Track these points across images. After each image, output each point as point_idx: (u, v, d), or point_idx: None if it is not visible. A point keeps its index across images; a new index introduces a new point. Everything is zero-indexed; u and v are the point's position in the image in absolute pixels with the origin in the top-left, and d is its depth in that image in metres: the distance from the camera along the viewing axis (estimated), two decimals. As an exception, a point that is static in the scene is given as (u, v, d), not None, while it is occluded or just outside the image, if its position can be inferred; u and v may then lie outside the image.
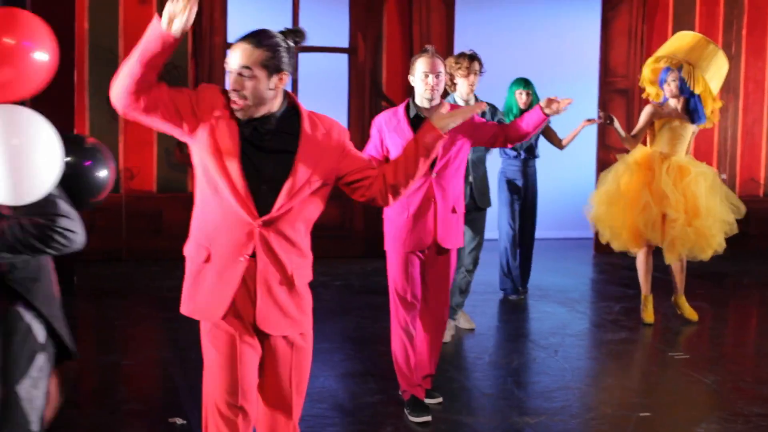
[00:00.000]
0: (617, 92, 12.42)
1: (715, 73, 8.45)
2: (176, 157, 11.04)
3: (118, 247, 11.00)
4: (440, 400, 6.19)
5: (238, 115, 3.71)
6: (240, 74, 3.66)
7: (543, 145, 9.34)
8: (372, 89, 11.58)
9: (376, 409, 6.12)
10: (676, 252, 8.41)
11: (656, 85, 8.65)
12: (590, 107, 12.36)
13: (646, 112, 8.46)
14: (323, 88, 11.42)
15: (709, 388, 6.78)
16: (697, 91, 8.35)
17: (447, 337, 7.65)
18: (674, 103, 8.42)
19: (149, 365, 7.27)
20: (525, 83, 9.10)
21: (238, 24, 11.34)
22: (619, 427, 5.88)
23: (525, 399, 6.47)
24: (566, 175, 12.01)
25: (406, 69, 11.56)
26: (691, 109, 8.41)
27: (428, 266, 5.94)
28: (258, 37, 3.72)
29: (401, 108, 5.92)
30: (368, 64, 11.57)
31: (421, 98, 5.82)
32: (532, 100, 9.05)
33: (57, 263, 3.66)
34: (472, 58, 7.54)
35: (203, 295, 3.81)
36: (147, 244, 11.05)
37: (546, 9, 13.27)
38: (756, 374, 7.16)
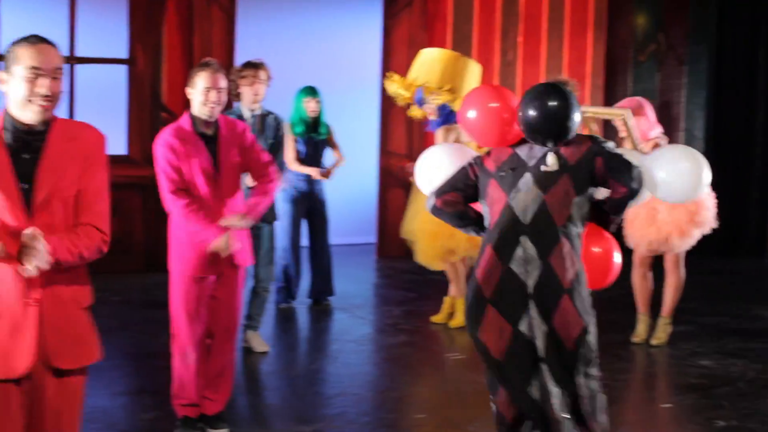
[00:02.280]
0: (399, 99, 12.60)
1: (471, 84, 8.62)
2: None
3: None
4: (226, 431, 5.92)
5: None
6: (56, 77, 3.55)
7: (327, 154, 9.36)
8: (152, 101, 11.40)
9: (151, 426, 6.03)
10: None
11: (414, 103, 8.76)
12: (372, 114, 12.54)
13: (442, 134, 8.51)
14: (101, 100, 11.15)
15: (483, 386, 6.92)
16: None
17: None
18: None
19: None
20: (312, 91, 9.11)
21: (11, 31, 10.98)
22: (394, 430, 5.97)
23: (303, 408, 6.48)
24: (348, 181, 12.07)
25: (187, 80, 11.52)
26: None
27: (218, 284, 5.73)
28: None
29: (186, 126, 5.61)
30: (148, 75, 11.37)
31: (200, 112, 5.57)
32: (320, 108, 9.08)
33: None
34: (258, 66, 7.50)
35: None
36: None
37: (328, 17, 13.33)
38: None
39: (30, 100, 3.50)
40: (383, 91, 12.55)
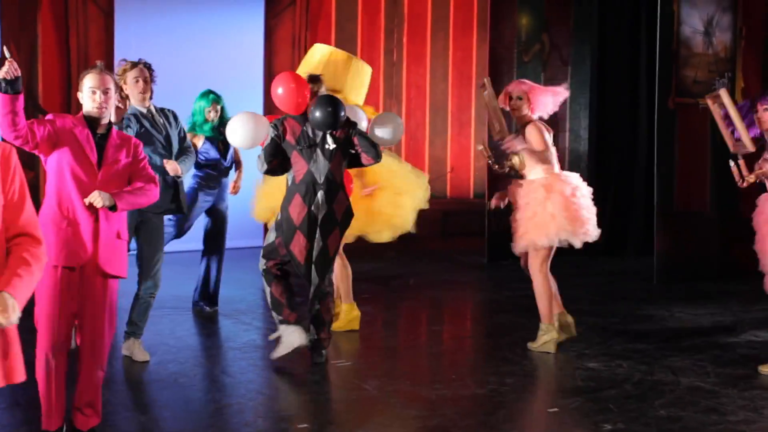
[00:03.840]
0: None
1: (358, 85, 8.57)
2: None
3: None
4: None
5: None
6: None
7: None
8: (28, 102, 10.98)
9: (22, 442, 5.76)
10: (392, 227, 8.68)
11: None
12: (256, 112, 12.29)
13: None
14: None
15: (368, 394, 6.80)
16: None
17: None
18: None
19: None
20: (215, 97, 8.91)
21: None
22: (277, 442, 5.80)
23: (185, 419, 6.26)
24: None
25: (64, 81, 11.23)
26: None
27: (83, 291, 5.51)
28: None
29: (80, 119, 5.61)
30: (23, 76, 10.94)
31: (89, 112, 5.56)
32: (223, 115, 8.86)
33: None
34: (135, 64, 7.40)
35: None
36: None
37: (209, 16, 13.08)
38: (418, 376, 7.27)
39: None
40: (267, 91, 12.39)
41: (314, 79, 7.58)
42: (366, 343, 8.50)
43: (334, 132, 7.33)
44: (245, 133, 7.30)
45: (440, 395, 6.68)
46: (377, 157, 7.48)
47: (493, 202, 8.22)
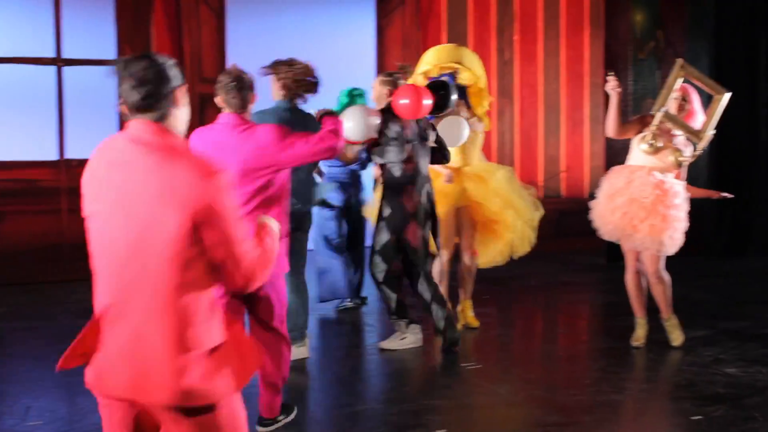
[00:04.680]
0: (395, 100, 12.33)
1: (478, 67, 8.49)
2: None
3: None
4: None
5: None
6: None
7: None
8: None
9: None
10: (504, 248, 8.57)
11: None
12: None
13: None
14: (90, 104, 10.81)
15: (503, 399, 6.65)
16: (467, 83, 8.41)
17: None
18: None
19: None
20: (361, 94, 8.83)
21: (-4, 33, 10.69)
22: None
23: (318, 424, 6.18)
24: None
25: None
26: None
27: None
28: None
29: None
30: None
31: None
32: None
33: None
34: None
35: None
36: None
37: (320, 17, 13.05)
38: (547, 381, 7.09)
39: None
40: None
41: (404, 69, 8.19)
42: (491, 345, 8.34)
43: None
44: (358, 125, 7.30)
45: (576, 401, 6.51)
46: (447, 158, 8.02)
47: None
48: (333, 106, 8.94)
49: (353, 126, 7.24)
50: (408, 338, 7.92)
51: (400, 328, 7.88)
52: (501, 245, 8.57)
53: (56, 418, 6.12)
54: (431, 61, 8.52)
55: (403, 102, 7.54)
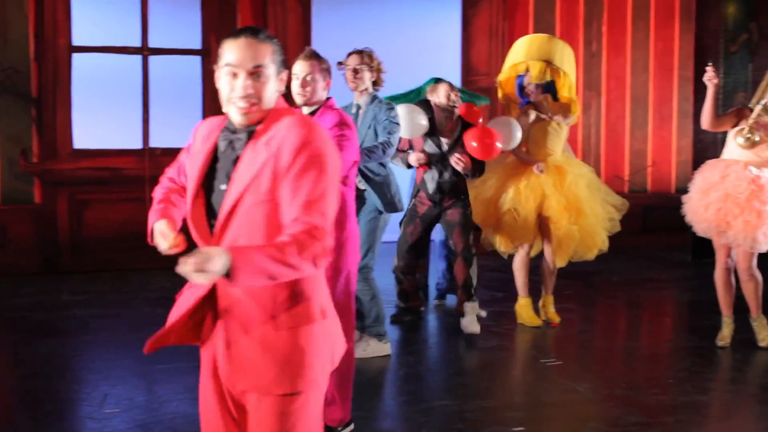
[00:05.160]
0: (479, 91, 12.18)
1: (569, 62, 8.33)
2: (21, 167, 10.38)
3: (-42, 265, 10.31)
4: None
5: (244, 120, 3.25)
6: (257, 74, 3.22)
7: None
8: (229, 93, 11.06)
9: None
10: (565, 253, 8.26)
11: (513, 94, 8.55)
12: (453, 107, 12.08)
13: (524, 118, 8.25)
14: (176, 93, 10.87)
15: (583, 396, 6.52)
16: (560, 85, 8.25)
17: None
18: (538, 104, 8.26)
19: (10, 392, 6.64)
20: (437, 82, 8.67)
21: (82, 25, 10.76)
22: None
23: (378, 416, 6.10)
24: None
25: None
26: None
27: None
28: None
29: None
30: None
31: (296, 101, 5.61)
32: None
33: None
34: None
35: None
36: (-10, 260, 10.39)
37: (406, 7, 12.97)
38: (629, 379, 6.93)
39: (229, 100, 3.23)
40: (464, 83, 12.19)
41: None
42: (572, 342, 8.20)
43: None
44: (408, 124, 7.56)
45: (659, 401, 6.35)
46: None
47: None
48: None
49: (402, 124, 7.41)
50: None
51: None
52: (564, 249, 8.40)
53: (133, 406, 6.12)
54: (521, 55, 8.37)
55: (474, 145, 7.90)
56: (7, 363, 7.45)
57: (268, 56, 3.23)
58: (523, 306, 8.46)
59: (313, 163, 3.13)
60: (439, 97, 8.15)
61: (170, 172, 3.65)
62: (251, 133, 3.24)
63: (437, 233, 9.13)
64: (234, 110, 3.23)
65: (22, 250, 10.47)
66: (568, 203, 8.21)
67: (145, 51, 10.85)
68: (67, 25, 10.59)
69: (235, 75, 3.21)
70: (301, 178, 3.11)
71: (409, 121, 7.87)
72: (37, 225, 10.44)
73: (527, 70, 8.33)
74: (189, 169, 3.36)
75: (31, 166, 10.38)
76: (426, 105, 8.18)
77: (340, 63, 7.45)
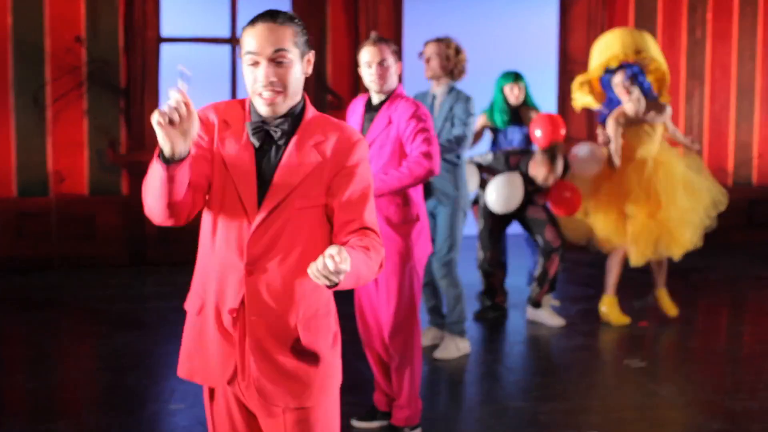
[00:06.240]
0: (577, 81, 11.86)
1: (658, 51, 8.04)
2: (109, 158, 10.41)
3: (48, 255, 10.35)
4: None
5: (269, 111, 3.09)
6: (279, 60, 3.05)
7: None
8: (317, 83, 10.95)
9: None
10: (640, 250, 7.87)
11: (597, 94, 8.25)
12: (549, 97, 11.80)
13: (613, 126, 7.87)
14: (264, 83, 10.80)
15: (665, 400, 6.21)
16: (650, 78, 7.92)
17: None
18: (633, 105, 7.87)
19: (82, 385, 6.63)
20: (515, 77, 8.38)
21: (172, 18, 10.75)
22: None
23: (456, 420, 5.88)
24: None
25: (352, 61, 11.07)
26: (651, 100, 7.95)
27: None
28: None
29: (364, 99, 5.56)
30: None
31: (370, 90, 5.44)
32: (526, 98, 8.35)
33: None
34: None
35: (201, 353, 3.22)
36: (79, 250, 10.42)
37: (501, -5, 12.70)
38: (717, 383, 6.59)
39: (254, 91, 3.06)
40: (561, 73, 11.86)
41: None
42: (660, 343, 7.86)
43: None
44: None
45: (745, 408, 6.02)
46: None
47: None
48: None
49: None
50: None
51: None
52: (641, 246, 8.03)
53: (198, 402, 6.03)
54: (612, 51, 8.04)
55: (538, 133, 7.75)
56: (83, 354, 7.46)
57: (290, 39, 3.06)
58: (609, 304, 8.13)
59: (364, 170, 3.11)
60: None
61: None
62: (292, 128, 3.10)
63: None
64: (259, 101, 3.07)
65: (110, 241, 10.50)
66: (647, 196, 7.86)
67: (233, 41, 10.78)
68: (156, 16, 10.57)
69: (256, 63, 3.05)
70: (354, 181, 3.08)
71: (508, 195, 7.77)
72: (125, 216, 10.45)
73: (616, 66, 8.02)
74: (223, 161, 3.12)
75: (118, 158, 10.39)
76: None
77: (420, 53, 7.29)
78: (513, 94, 8.14)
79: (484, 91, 8.74)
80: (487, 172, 8.18)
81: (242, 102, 3.19)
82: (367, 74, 5.36)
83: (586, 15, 11.94)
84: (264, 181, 3.06)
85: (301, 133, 3.09)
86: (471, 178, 7.78)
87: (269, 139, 3.10)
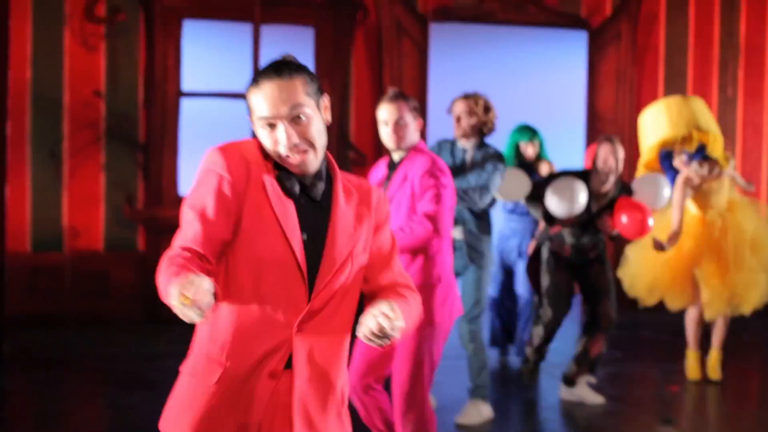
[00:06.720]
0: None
1: (710, 117, 7.98)
2: (125, 214, 10.21)
3: (61, 311, 10.13)
4: None
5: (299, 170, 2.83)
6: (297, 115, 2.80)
7: None
8: (340, 139, 10.76)
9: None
10: (714, 309, 7.80)
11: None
12: (577, 153, 11.57)
13: (678, 195, 7.59)
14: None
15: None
16: (716, 153, 7.75)
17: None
18: (695, 175, 7.65)
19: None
20: (531, 134, 8.14)
21: (192, 72, 10.60)
22: None
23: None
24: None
25: (376, 118, 10.90)
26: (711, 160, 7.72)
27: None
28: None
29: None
30: (335, 112, 10.69)
31: (388, 147, 5.26)
32: (540, 152, 8.12)
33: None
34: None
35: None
36: (93, 306, 10.19)
37: (528, 53, 12.49)
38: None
39: (277, 155, 2.80)
40: (589, 130, 11.63)
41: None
42: (690, 406, 7.53)
43: None
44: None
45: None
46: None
47: None
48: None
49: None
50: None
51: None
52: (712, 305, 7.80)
53: None
54: (666, 129, 7.85)
55: (625, 221, 7.02)
56: (85, 415, 7.18)
57: (302, 92, 2.81)
58: (690, 358, 8.01)
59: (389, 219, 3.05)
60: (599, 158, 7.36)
61: (188, 242, 2.77)
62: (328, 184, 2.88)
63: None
64: (287, 164, 2.80)
65: (124, 297, 10.28)
66: (718, 258, 7.67)
67: (256, 96, 10.61)
68: (177, 70, 10.44)
69: (272, 126, 2.78)
70: (386, 232, 2.97)
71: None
72: (140, 273, 10.22)
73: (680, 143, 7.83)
74: (254, 222, 2.78)
75: (135, 213, 10.20)
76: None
77: (449, 110, 7.08)
78: (528, 151, 8.00)
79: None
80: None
81: (258, 144, 2.89)
82: (385, 132, 5.20)
83: (614, 72, 11.75)
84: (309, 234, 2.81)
85: (342, 187, 2.89)
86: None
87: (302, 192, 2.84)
